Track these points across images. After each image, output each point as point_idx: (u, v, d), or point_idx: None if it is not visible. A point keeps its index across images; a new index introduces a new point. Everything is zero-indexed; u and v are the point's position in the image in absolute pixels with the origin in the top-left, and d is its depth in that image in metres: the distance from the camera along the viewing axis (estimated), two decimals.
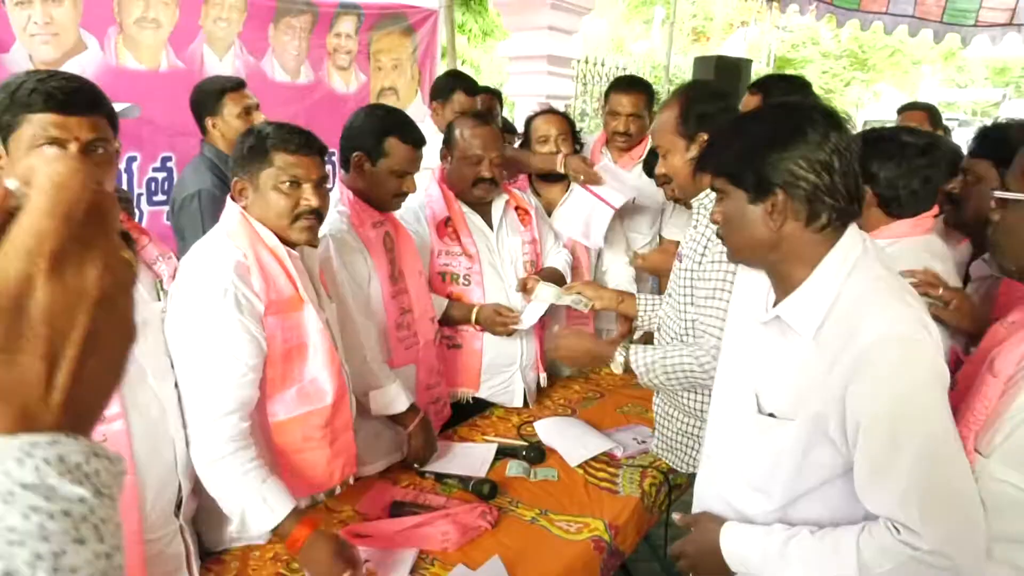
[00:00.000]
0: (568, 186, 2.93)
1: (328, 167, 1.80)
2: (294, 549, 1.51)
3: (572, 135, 2.90)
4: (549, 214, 2.90)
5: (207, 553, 1.63)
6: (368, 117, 2.14)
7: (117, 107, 2.62)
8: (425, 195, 2.49)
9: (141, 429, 1.37)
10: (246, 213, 1.64)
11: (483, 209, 2.55)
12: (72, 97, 1.27)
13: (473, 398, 2.56)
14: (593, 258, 3.02)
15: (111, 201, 0.45)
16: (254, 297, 1.55)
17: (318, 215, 1.65)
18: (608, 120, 3.15)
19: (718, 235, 1.41)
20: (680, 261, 2.05)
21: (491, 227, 2.54)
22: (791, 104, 1.37)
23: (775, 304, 1.33)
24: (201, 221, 2.60)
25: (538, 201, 2.85)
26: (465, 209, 2.50)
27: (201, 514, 1.61)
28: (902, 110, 4.00)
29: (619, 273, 3.04)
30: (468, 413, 2.52)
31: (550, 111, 2.97)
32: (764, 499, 1.35)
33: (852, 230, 1.28)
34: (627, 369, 1.97)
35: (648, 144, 3.16)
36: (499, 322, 2.39)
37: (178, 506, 1.49)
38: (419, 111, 3.60)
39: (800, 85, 2.74)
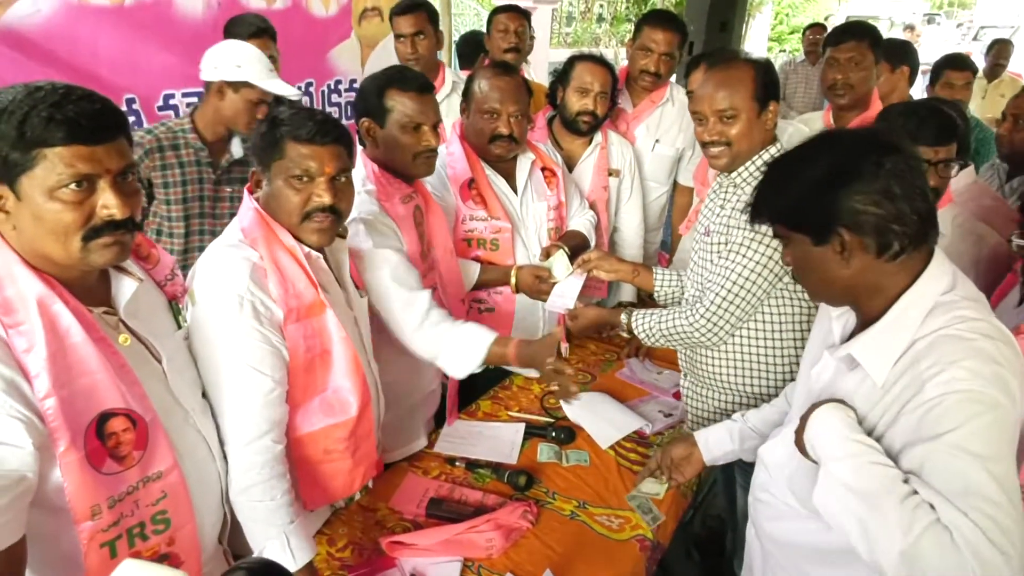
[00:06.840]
0: (591, 139, 2.74)
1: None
2: None
3: (612, 91, 2.65)
4: (571, 169, 2.71)
5: None
6: (368, 80, 1.97)
7: (289, 92, 2.25)
8: (446, 153, 2.29)
9: (194, 474, 1.25)
10: (261, 210, 1.46)
11: (506, 169, 2.36)
12: (98, 121, 1.04)
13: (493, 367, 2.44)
14: (613, 213, 2.87)
15: None
16: (272, 304, 1.40)
17: (334, 212, 1.47)
18: (638, 56, 2.92)
19: (793, 277, 1.37)
20: (708, 235, 1.95)
21: (515, 191, 2.36)
22: (835, 136, 1.30)
23: (853, 333, 1.29)
24: None
25: (560, 155, 2.65)
26: (488, 171, 2.31)
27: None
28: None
29: (631, 229, 2.92)
30: (487, 383, 2.42)
31: (600, 60, 2.66)
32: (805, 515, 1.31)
33: (938, 260, 1.21)
34: (631, 332, 2.01)
35: (668, 89, 2.99)
36: (543, 289, 2.22)
37: (221, 530, 1.39)
38: None
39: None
